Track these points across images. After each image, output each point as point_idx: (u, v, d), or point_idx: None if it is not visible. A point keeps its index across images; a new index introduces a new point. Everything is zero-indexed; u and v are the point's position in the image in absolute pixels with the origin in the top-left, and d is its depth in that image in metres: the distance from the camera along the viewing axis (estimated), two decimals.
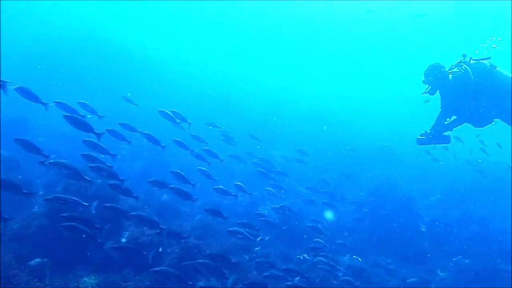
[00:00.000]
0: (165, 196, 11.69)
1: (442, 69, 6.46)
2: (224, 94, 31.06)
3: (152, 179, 7.32)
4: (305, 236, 10.76)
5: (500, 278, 9.79)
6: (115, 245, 6.23)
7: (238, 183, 9.07)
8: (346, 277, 8.22)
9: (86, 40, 30.65)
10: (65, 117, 6.32)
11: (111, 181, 6.51)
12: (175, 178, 7.61)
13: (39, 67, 23.30)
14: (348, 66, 52.26)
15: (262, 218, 8.50)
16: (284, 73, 50.96)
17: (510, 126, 6.64)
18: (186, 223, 10.07)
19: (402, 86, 42.53)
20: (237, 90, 35.14)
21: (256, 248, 8.81)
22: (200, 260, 6.12)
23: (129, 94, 11.41)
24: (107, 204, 6.28)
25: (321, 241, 8.83)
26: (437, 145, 6.91)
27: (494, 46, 7.74)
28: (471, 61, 6.45)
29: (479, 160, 17.21)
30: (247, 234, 7.20)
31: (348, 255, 10.18)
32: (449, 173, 19.41)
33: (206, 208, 7.57)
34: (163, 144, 8.58)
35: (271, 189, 10.29)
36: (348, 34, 45.85)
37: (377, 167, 18.98)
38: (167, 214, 10.28)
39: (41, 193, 9.20)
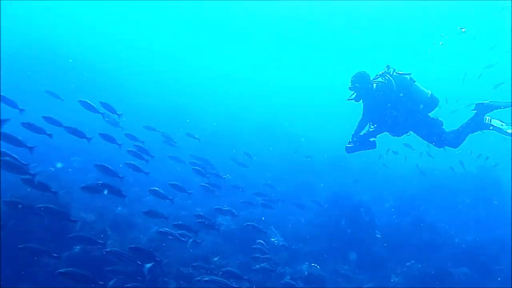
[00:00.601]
0: (119, 208, 11.29)
1: (368, 78, 6.64)
2: (179, 105, 30.85)
3: (84, 185, 6.94)
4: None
5: (450, 281, 10.18)
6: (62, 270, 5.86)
7: (174, 183, 8.81)
8: (289, 281, 8.27)
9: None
10: None
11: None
12: (100, 171, 7.33)
13: None
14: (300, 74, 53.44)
15: (200, 220, 8.18)
16: (240, 84, 51.45)
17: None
18: (141, 236, 9.74)
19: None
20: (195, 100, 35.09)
21: (215, 259, 8.66)
22: None
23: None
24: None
25: (263, 242, 8.83)
26: (365, 150, 7.08)
27: (461, 28, 7.86)
28: (394, 73, 6.72)
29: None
30: (177, 235, 7.11)
31: (306, 263, 10.23)
32: (399, 179, 20.24)
33: (145, 210, 7.35)
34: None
35: (207, 185, 10.02)
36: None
37: (331, 176, 19.46)
38: (122, 227, 9.89)
39: None
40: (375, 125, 6.86)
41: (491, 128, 6.78)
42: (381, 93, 6.53)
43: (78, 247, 7.59)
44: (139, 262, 6.32)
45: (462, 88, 22.63)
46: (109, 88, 29.69)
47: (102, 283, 5.82)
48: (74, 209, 9.02)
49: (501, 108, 6.81)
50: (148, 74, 44.82)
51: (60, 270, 5.49)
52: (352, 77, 6.65)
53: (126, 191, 7.47)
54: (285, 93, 49.66)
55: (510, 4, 27.90)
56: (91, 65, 32.34)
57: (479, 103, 6.91)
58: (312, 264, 10.03)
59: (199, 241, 8.09)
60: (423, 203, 15.45)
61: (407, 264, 10.95)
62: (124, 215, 10.71)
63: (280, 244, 10.77)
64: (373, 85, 6.60)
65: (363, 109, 6.93)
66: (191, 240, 7.59)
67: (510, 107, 6.71)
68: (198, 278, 6.70)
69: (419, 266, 10.78)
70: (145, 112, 26.31)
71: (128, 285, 6.07)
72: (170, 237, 7.04)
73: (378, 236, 11.74)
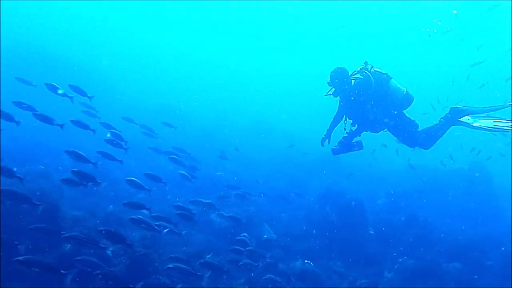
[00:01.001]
0: (111, 206, 11.17)
1: (346, 73, 6.57)
2: (170, 105, 30.73)
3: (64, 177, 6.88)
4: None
5: (442, 277, 10.23)
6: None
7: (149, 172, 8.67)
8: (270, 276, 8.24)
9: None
10: None
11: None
12: (72, 157, 7.31)
13: None
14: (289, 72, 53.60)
15: (179, 211, 8.05)
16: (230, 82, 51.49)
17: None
18: (133, 233, 9.64)
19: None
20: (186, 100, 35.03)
21: (208, 256, 8.59)
22: None
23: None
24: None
25: (246, 235, 8.79)
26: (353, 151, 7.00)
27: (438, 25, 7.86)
28: (372, 70, 6.68)
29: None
30: (153, 225, 7.08)
31: (300, 259, 10.21)
32: (391, 176, 20.34)
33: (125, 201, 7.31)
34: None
35: (184, 172, 9.89)
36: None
37: (324, 172, 19.48)
38: (113, 225, 9.77)
39: None
40: (356, 124, 6.78)
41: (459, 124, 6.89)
42: (360, 89, 6.48)
43: (68, 246, 7.49)
44: (102, 245, 6.32)
45: (451, 88, 22.78)
46: (97, 86, 29.37)
47: (64, 271, 5.78)
48: (64, 207, 8.91)
49: (474, 114, 6.88)
50: (136, 71, 44.64)
51: (18, 258, 5.38)
52: (331, 73, 6.57)
53: (118, 189, 7.43)
54: (278, 91, 49.76)
55: (496, 5, 28.21)
56: (79, 63, 31.95)
57: (453, 107, 6.97)
58: (306, 261, 10.00)
59: (178, 232, 7.94)
60: (415, 200, 15.52)
61: (400, 260, 10.96)
62: (116, 213, 10.59)
63: (274, 240, 10.75)
64: (351, 81, 6.55)
65: (340, 104, 6.90)
66: (165, 230, 7.52)
67: (484, 114, 6.81)
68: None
69: (412, 262, 10.79)
70: (133, 110, 26.15)
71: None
72: (143, 225, 6.97)
73: (371, 232, 11.75)
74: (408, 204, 14.80)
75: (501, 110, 6.82)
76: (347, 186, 14.85)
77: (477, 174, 17.68)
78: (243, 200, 13.97)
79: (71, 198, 10.43)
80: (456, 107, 6.94)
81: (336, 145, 6.88)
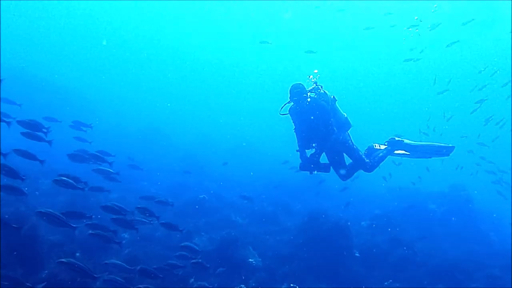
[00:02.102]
0: (90, 231, 10.81)
1: (306, 91, 6.51)
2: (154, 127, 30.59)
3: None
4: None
5: None
6: None
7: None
8: None
9: None
10: None
11: None
12: (19, 155, 7.16)
13: None
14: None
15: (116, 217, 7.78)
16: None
17: None
18: (113, 258, 9.33)
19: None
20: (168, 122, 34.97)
21: (191, 280, 8.36)
22: None
23: None
24: None
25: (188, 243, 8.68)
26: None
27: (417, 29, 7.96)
28: (321, 90, 6.74)
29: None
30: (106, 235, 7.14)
31: (285, 283, 10.03)
32: (374, 198, 20.46)
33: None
34: None
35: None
36: None
37: (306, 195, 19.49)
38: (94, 249, 9.45)
39: None
40: (315, 144, 6.71)
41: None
42: (322, 108, 6.48)
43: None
44: (73, 225, 6.31)
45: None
46: (81, 108, 29.05)
47: None
48: (42, 231, 8.60)
49: (409, 147, 7.06)
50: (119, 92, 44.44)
51: None
52: (291, 89, 6.44)
53: (99, 213, 7.27)
54: (261, 112, 50.09)
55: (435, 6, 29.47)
56: (63, 86, 31.60)
57: (391, 139, 7.22)
58: (291, 285, 9.83)
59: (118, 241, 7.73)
60: (398, 221, 15.53)
61: (386, 283, 10.89)
62: (96, 236, 10.25)
63: (259, 265, 10.56)
64: (307, 99, 6.47)
65: (296, 123, 6.74)
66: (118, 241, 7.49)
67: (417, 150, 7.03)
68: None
69: (397, 285, 10.74)
70: (116, 133, 25.97)
71: None
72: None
73: (357, 255, 11.66)
74: (392, 226, 14.80)
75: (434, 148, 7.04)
76: (331, 208, 14.79)
77: (457, 197, 17.92)
78: (227, 223, 13.87)
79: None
80: (393, 138, 7.16)
81: (303, 162, 6.76)
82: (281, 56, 49.75)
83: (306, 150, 6.75)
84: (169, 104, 49.60)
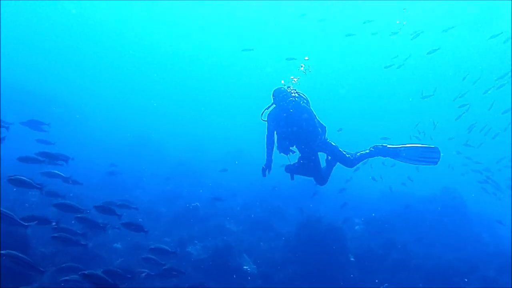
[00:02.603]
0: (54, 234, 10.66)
1: (290, 95, 6.57)
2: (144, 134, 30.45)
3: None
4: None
5: None
6: None
7: None
8: None
9: None
10: None
11: None
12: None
13: None
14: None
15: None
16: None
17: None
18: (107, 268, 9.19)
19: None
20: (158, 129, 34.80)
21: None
22: None
23: None
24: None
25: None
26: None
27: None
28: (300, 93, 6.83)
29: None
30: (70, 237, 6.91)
31: None
32: (367, 202, 20.48)
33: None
34: None
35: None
36: None
37: (301, 198, 19.40)
38: (86, 259, 9.31)
39: None
40: (294, 148, 6.77)
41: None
42: (306, 111, 6.53)
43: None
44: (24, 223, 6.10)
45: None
46: (70, 120, 28.77)
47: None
48: (32, 243, 8.46)
49: (393, 152, 7.12)
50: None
51: None
52: (278, 93, 6.52)
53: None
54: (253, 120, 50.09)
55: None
56: (53, 98, 31.21)
57: (375, 146, 7.33)
58: None
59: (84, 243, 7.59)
60: (392, 225, 15.53)
61: (381, 287, 10.85)
62: (88, 247, 10.10)
63: (254, 272, 10.46)
64: (293, 103, 6.51)
65: (277, 125, 6.72)
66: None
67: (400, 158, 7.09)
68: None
69: None
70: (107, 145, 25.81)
71: None
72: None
73: (352, 259, 11.61)
74: (386, 229, 14.81)
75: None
76: (324, 213, 14.72)
77: (450, 200, 18.01)
78: (221, 230, 13.76)
79: (39, 234, 9.91)
80: (376, 146, 7.23)
81: (293, 162, 6.83)
82: (272, 60, 49.94)
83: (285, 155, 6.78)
84: (155, 104, 49.26)
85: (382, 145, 7.28)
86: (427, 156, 7.06)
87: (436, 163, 7.08)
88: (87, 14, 42.94)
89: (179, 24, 45.59)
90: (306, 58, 7.15)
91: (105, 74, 51.71)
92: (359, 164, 7.44)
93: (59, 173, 8.73)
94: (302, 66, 7.38)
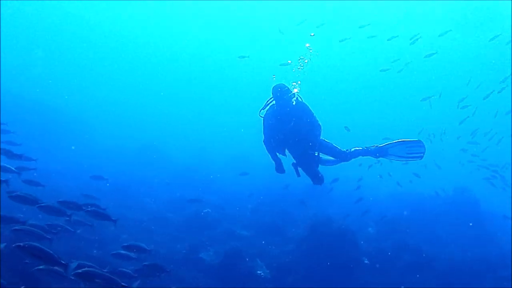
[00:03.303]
0: (95, 251, 10.61)
1: (290, 91, 6.39)
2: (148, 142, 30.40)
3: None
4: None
5: None
6: None
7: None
8: None
9: None
10: None
11: None
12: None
13: None
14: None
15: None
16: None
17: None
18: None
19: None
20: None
21: None
22: None
23: None
24: None
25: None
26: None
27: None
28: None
29: None
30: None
31: None
32: (379, 203, 20.25)
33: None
34: None
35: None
36: None
37: (309, 203, 19.22)
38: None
39: None
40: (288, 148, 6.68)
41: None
42: (307, 110, 6.47)
43: None
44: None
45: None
46: (75, 130, 28.64)
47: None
48: None
49: (380, 151, 7.01)
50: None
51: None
52: (279, 88, 6.25)
53: (102, 233, 6.99)
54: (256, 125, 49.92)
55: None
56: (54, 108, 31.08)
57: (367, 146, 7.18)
58: None
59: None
60: (404, 226, 15.34)
61: None
62: (99, 257, 10.01)
63: (267, 277, 10.34)
64: (292, 101, 6.39)
65: (274, 124, 6.51)
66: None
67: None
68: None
69: None
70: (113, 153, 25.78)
71: None
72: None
73: (366, 262, 11.45)
74: (398, 231, 14.64)
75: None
76: (335, 216, 14.56)
77: (462, 200, 17.78)
78: (231, 235, 13.65)
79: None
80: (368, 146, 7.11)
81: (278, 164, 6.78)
82: (274, 62, 49.83)
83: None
84: (161, 93, 47.95)
85: (374, 146, 7.19)
86: (414, 151, 6.96)
87: (421, 157, 6.98)
88: (88, 16, 43.10)
89: (184, 25, 45.66)
90: (312, 34, 6.88)
91: (105, 76, 51.75)
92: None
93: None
94: (309, 47, 7.20)
